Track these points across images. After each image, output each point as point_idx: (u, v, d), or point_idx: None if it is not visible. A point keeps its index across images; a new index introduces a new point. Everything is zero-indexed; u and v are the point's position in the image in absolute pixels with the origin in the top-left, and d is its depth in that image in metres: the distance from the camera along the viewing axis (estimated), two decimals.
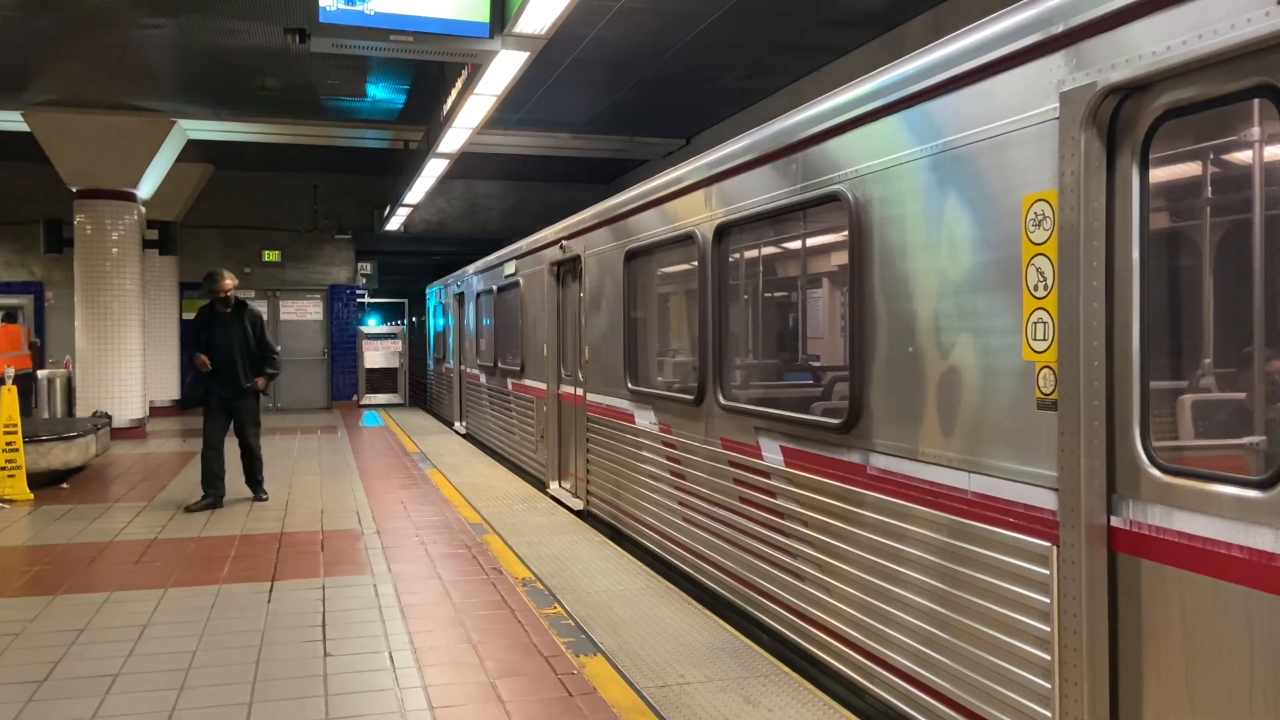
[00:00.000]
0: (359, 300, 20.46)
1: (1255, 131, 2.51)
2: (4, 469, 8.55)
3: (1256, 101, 2.44)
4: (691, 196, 5.79)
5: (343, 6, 6.21)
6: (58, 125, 12.99)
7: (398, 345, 20.45)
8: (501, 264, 11.81)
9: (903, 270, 3.70)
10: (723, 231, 5.35)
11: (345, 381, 19.81)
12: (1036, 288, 2.95)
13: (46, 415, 13.59)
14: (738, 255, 5.54)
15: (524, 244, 10.74)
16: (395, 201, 16.24)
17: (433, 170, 12.56)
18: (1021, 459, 3.02)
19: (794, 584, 4.47)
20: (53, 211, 14.32)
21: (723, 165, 5.31)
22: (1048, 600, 2.85)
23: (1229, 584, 2.39)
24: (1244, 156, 2.54)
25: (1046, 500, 2.89)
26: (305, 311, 19.63)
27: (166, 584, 5.80)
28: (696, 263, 5.64)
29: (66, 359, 14.33)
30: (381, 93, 12.48)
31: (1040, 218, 2.93)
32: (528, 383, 10.35)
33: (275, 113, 13.54)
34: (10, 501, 8.44)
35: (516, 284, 10.90)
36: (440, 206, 19.68)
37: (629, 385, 6.84)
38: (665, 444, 6.19)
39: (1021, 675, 2.97)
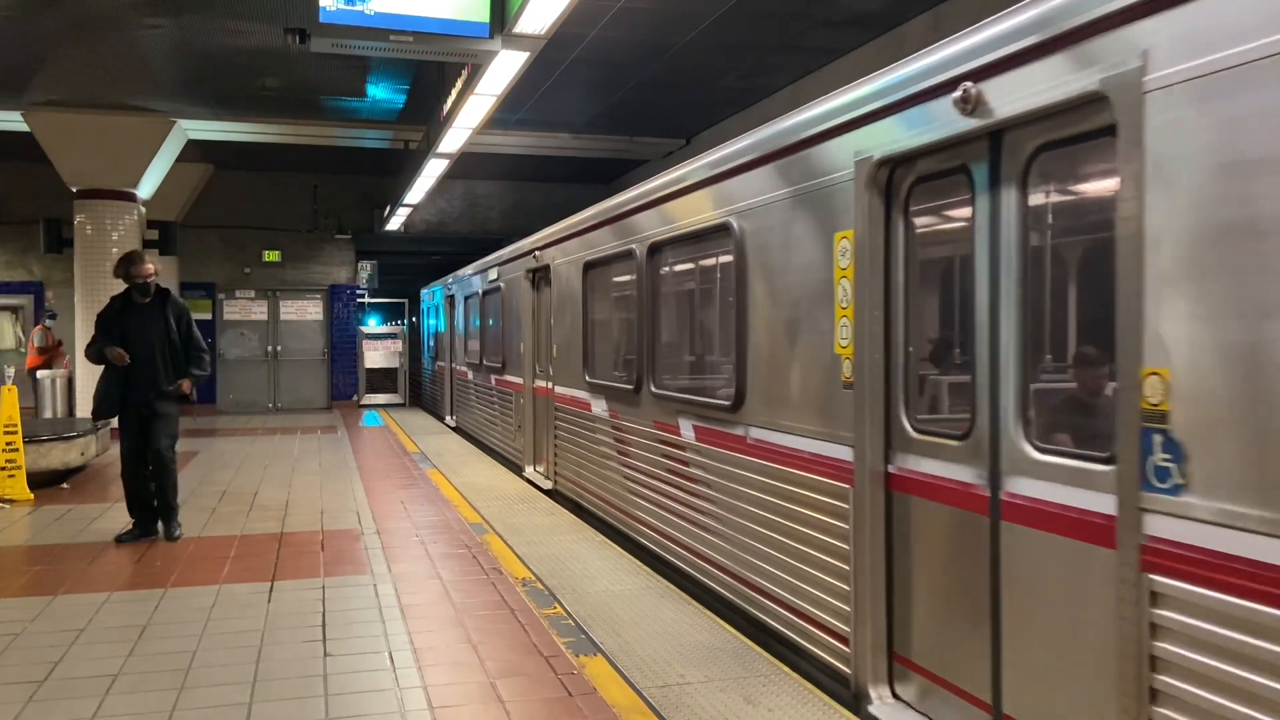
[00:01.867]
0: (359, 300, 20.47)
1: (966, 195, 3.44)
2: (4, 469, 8.55)
3: (963, 175, 3.44)
4: (633, 219, 6.86)
5: (343, 6, 6.22)
6: (58, 125, 12.99)
7: (398, 345, 20.46)
8: (487, 270, 12.67)
9: (766, 286, 4.82)
10: (654, 249, 6.46)
11: (345, 381, 19.81)
12: (841, 301, 4.06)
13: (47, 415, 13.60)
14: (666, 269, 6.60)
15: (505, 252, 11.68)
16: (395, 201, 16.25)
17: (433, 170, 12.57)
18: (833, 426, 4.14)
19: (700, 532, 5.59)
20: (53, 211, 14.32)
21: (653, 195, 6.43)
22: (847, 526, 4.01)
23: (945, 506, 3.54)
24: (964, 210, 3.48)
25: (848, 455, 4.01)
26: (305, 311, 19.65)
27: (166, 584, 5.80)
28: (635, 275, 6.73)
29: (66, 360, 14.33)
30: (381, 93, 12.49)
31: (844, 250, 4.03)
32: (508, 378, 11.35)
33: (275, 113, 13.54)
34: (10, 501, 8.44)
35: (499, 288, 11.77)
36: (440, 206, 19.69)
37: (586, 378, 7.87)
38: (614, 427, 7.25)
39: (831, 581, 4.15)
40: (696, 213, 5.65)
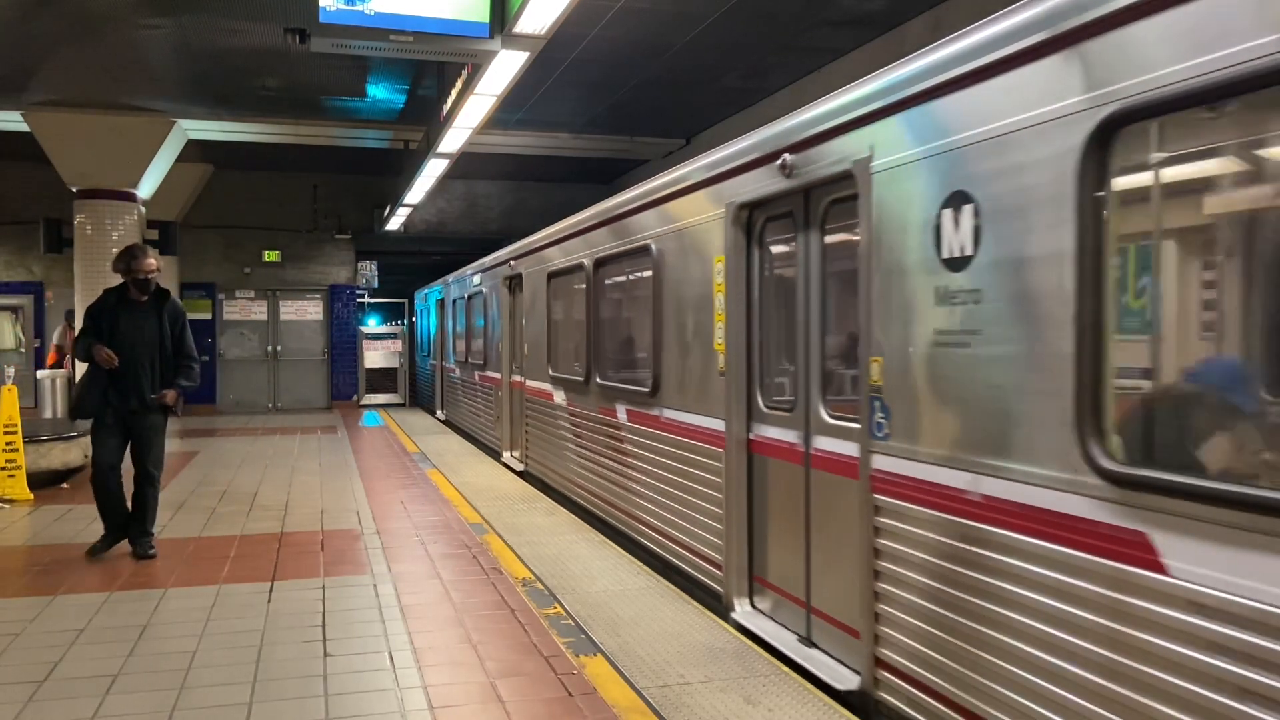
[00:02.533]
0: (359, 300, 20.47)
1: (793, 232, 4.70)
2: (4, 469, 8.55)
3: (791, 218, 4.70)
4: (583, 237, 8.09)
5: (343, 6, 6.22)
6: (58, 125, 12.98)
7: (398, 345, 20.45)
8: (474, 275, 13.81)
9: (673, 295, 6.05)
10: (599, 264, 7.64)
11: (345, 381, 19.81)
12: (719, 308, 5.31)
13: (47, 415, 13.60)
14: (609, 280, 7.70)
15: (488, 260, 12.92)
16: (395, 201, 16.25)
17: (433, 170, 12.56)
18: (713, 405, 5.41)
19: (629, 495, 6.86)
20: (53, 211, 14.32)
21: (599, 217, 7.66)
22: (721, 480, 5.28)
23: (782, 461, 4.80)
24: (793, 243, 4.71)
25: (721, 427, 5.27)
26: (305, 311, 19.64)
27: (166, 584, 5.80)
28: (584, 285, 7.95)
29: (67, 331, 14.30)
30: (381, 93, 12.48)
31: (720, 270, 5.28)
32: (489, 373, 12.64)
33: (275, 113, 13.53)
34: (10, 501, 8.44)
35: (482, 293, 13.05)
36: (440, 206, 19.68)
37: (549, 372, 9.15)
38: (569, 414, 8.50)
39: (712, 523, 5.43)
40: (628, 234, 6.93)
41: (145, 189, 13.87)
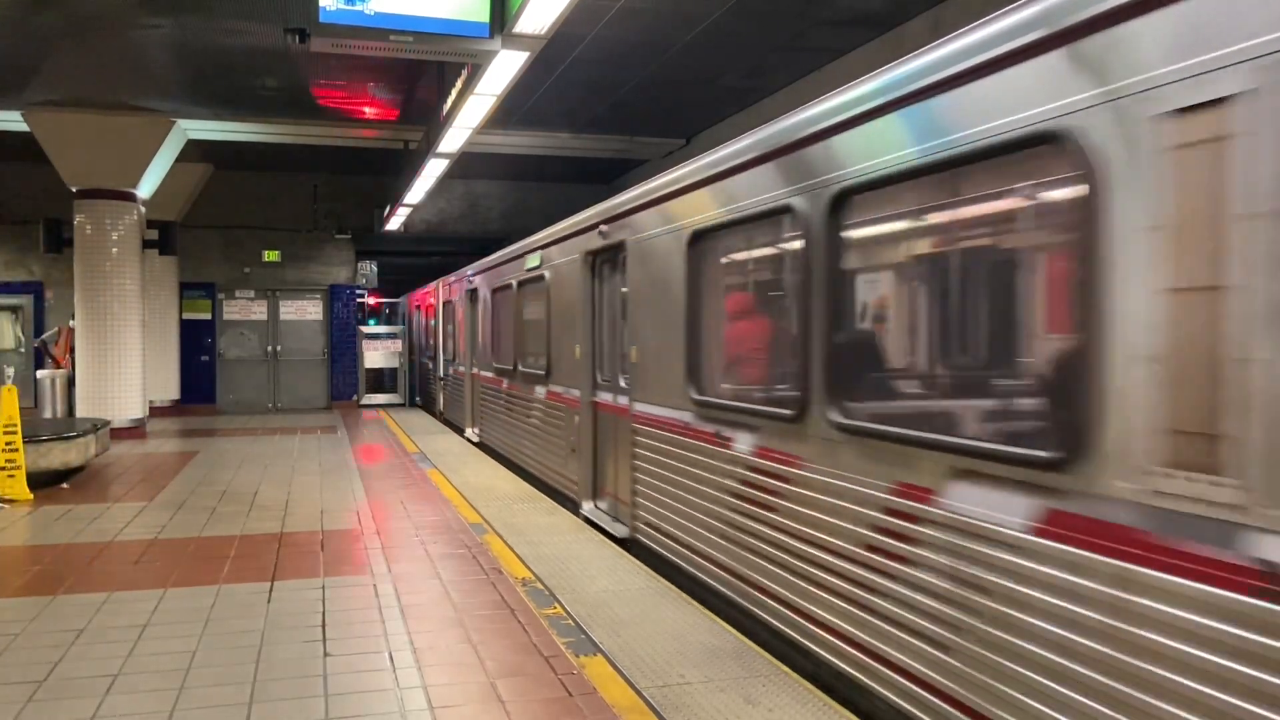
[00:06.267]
0: (359, 300, 20.45)
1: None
2: (4, 469, 8.55)
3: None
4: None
5: (343, 6, 6.21)
6: (58, 125, 12.99)
7: (398, 345, 20.45)
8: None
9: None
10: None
11: (345, 381, 19.81)
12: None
13: (47, 415, 13.61)
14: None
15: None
16: (395, 201, 16.24)
17: (433, 170, 12.56)
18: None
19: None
20: (53, 211, 14.31)
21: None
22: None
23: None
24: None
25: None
26: (305, 311, 19.63)
27: (166, 584, 5.80)
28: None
29: (71, 325, 14.30)
30: (381, 93, 12.48)
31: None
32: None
33: (275, 113, 13.53)
34: (10, 501, 8.44)
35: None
36: (440, 206, 19.67)
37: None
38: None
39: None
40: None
41: (145, 189, 13.88)
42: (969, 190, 3.49)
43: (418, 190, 14.29)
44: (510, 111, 12.68)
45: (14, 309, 17.77)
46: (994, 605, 3.03)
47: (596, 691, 4.02)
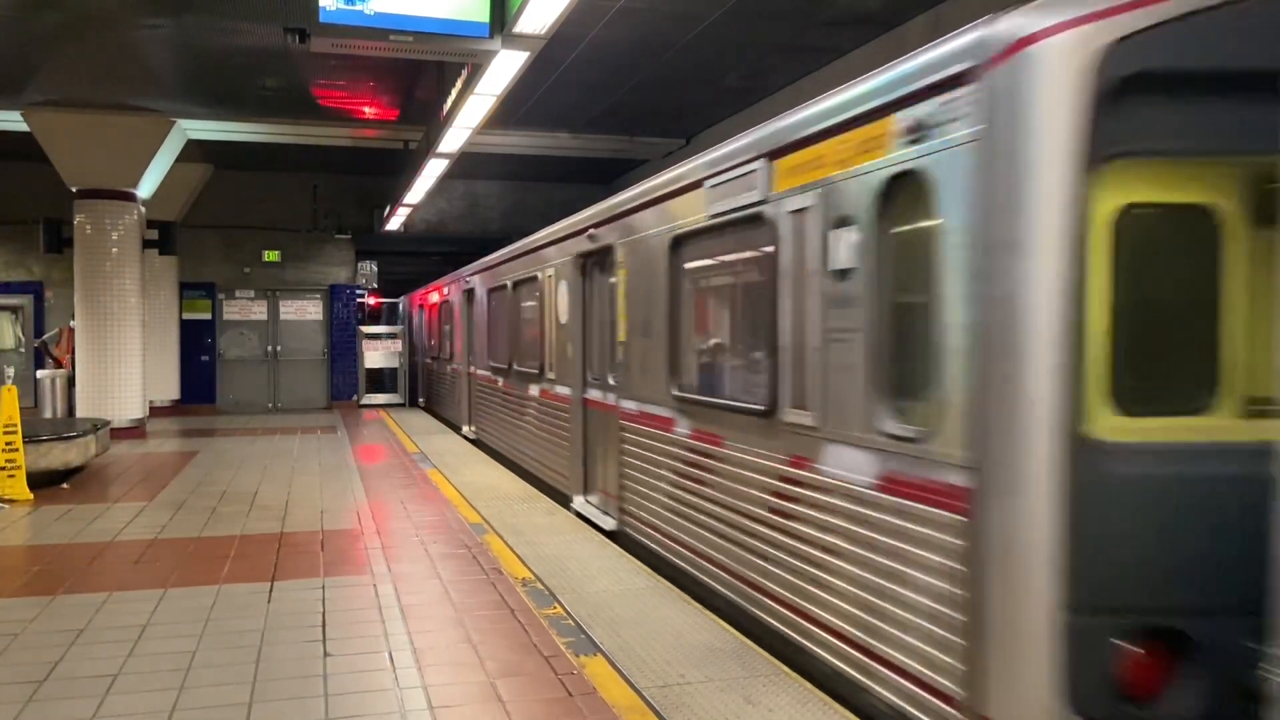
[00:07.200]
0: (359, 300, 20.46)
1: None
2: (4, 469, 8.55)
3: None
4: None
5: (343, 6, 6.21)
6: (58, 125, 12.98)
7: (398, 345, 20.45)
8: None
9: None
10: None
11: (345, 381, 19.81)
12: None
13: (47, 415, 13.60)
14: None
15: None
16: (395, 201, 16.24)
17: (433, 170, 12.56)
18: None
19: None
20: (53, 211, 14.30)
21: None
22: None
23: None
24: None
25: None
26: (305, 311, 19.63)
27: (166, 584, 5.80)
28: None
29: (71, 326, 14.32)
30: (381, 93, 12.47)
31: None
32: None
33: (275, 113, 13.53)
34: (10, 501, 8.44)
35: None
36: (440, 206, 19.66)
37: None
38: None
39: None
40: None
41: (145, 189, 13.87)
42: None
43: (418, 190, 14.29)
44: (510, 111, 12.67)
45: (14, 309, 17.77)
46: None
47: (596, 691, 4.02)
